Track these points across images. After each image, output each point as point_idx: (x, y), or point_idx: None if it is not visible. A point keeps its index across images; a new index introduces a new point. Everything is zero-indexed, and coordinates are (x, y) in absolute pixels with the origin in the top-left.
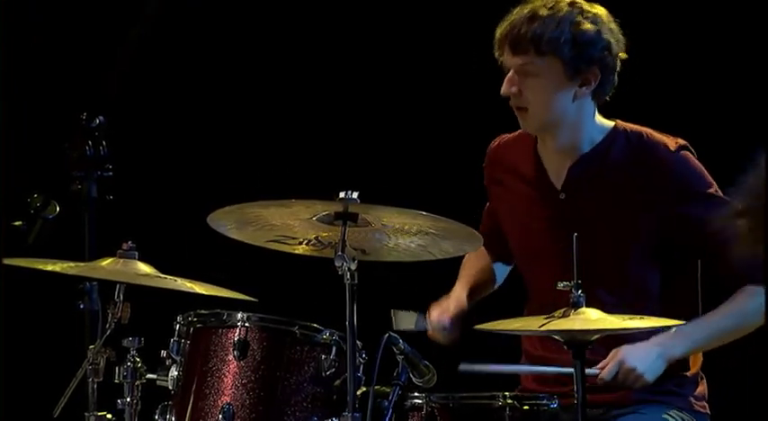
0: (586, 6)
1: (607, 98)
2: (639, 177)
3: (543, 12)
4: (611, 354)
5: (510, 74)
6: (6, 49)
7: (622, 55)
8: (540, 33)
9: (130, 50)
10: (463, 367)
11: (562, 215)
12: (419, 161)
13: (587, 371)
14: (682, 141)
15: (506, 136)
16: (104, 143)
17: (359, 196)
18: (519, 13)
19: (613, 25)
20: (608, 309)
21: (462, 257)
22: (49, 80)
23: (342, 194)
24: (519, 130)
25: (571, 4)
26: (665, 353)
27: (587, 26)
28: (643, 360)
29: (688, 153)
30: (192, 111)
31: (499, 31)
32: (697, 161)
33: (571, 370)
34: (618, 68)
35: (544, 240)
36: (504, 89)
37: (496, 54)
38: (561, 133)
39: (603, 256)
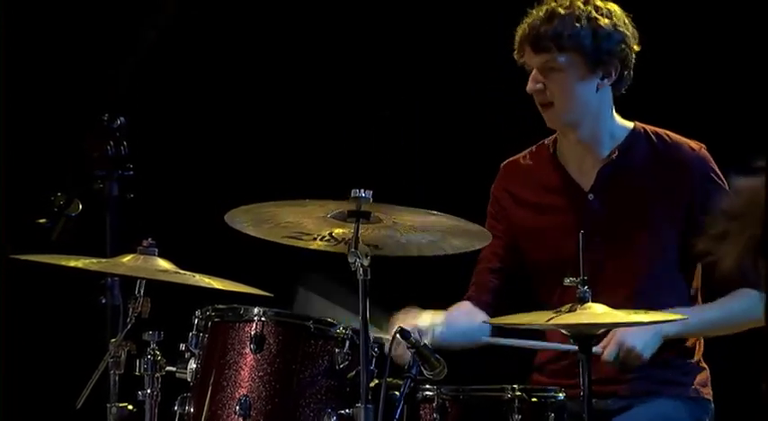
0: (600, 3)
1: (624, 90)
2: (666, 176)
3: (560, 10)
4: (608, 336)
5: (534, 72)
6: (24, 49)
7: (636, 47)
8: (561, 31)
9: (149, 50)
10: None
11: (591, 216)
12: (431, 160)
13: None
14: (700, 143)
15: (513, 158)
16: (125, 143)
17: (372, 195)
18: (536, 13)
19: (627, 20)
20: (637, 307)
21: (475, 253)
22: (72, 81)
23: (355, 193)
24: (523, 152)
25: (585, 2)
26: (661, 329)
27: (604, 21)
28: (641, 338)
29: (708, 153)
30: (211, 111)
31: (519, 33)
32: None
33: (574, 347)
34: (633, 62)
35: (572, 244)
36: (529, 86)
37: (517, 56)
38: (584, 126)
39: (633, 255)
